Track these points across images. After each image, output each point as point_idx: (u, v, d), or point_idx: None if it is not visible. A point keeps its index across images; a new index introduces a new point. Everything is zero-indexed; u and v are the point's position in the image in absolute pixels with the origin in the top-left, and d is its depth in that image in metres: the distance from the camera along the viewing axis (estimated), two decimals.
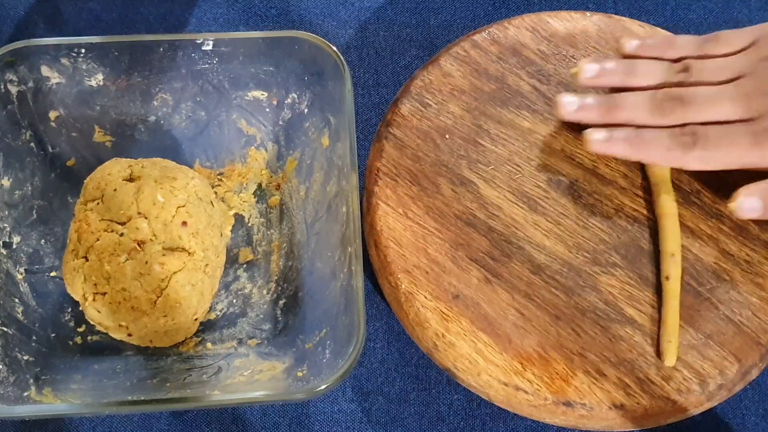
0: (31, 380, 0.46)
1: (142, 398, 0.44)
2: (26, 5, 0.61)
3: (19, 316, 0.48)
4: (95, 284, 0.46)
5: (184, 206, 0.48)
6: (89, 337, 0.50)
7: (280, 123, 0.54)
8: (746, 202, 0.42)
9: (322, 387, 0.41)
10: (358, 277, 0.44)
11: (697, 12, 0.63)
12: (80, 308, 0.48)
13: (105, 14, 0.61)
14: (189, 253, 0.47)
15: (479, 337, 0.45)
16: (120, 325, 0.47)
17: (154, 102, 0.53)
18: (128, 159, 0.51)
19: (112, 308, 0.46)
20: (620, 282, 0.47)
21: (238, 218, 0.54)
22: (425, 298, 0.46)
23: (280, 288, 0.51)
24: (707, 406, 0.45)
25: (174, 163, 0.51)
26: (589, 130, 0.45)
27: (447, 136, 0.50)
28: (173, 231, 0.47)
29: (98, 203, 0.48)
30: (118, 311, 0.46)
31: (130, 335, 0.47)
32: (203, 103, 0.53)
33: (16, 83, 0.49)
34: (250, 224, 0.53)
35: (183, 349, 0.49)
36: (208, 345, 0.50)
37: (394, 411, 0.50)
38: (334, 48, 0.49)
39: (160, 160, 0.51)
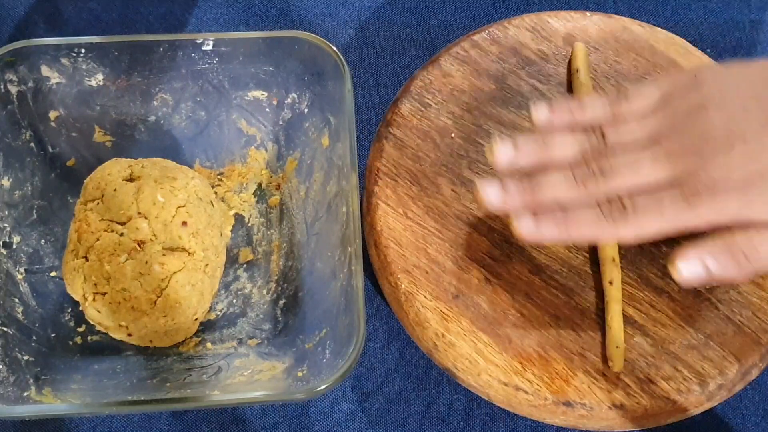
0: (31, 380, 0.46)
1: (142, 398, 0.44)
2: (26, 5, 0.61)
3: (19, 316, 0.48)
4: (95, 284, 0.46)
5: (184, 206, 0.48)
6: (89, 337, 0.50)
7: (280, 123, 0.54)
8: (685, 269, 0.40)
9: (322, 387, 0.41)
10: (358, 277, 0.43)
11: (697, 12, 0.63)
12: (80, 308, 0.48)
13: (105, 14, 0.61)
14: (189, 253, 0.47)
15: (479, 337, 0.45)
16: (120, 325, 0.47)
17: (154, 102, 0.53)
18: (128, 159, 0.51)
19: (112, 308, 0.46)
20: (620, 282, 0.47)
21: (238, 218, 0.54)
22: (425, 298, 0.46)
23: (280, 288, 0.51)
24: (707, 406, 0.45)
25: (174, 163, 0.51)
26: (515, 223, 0.42)
27: (447, 136, 0.50)
28: (173, 231, 0.47)
29: (98, 203, 0.48)
30: (118, 311, 0.46)
31: (130, 335, 0.47)
32: (203, 103, 0.53)
33: (16, 83, 0.50)
34: (250, 224, 0.53)
35: (183, 349, 0.49)
36: (208, 345, 0.50)
37: (394, 411, 0.50)
38: (334, 48, 0.49)
39: (160, 160, 0.51)
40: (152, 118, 0.53)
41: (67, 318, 0.50)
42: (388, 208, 0.48)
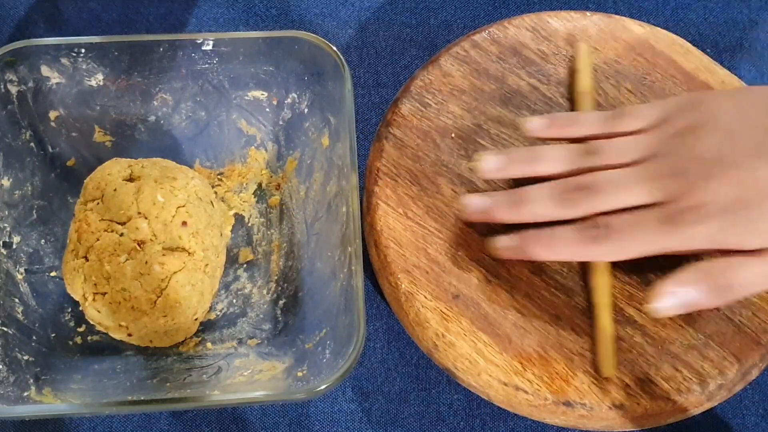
0: (31, 380, 0.46)
1: (142, 398, 0.44)
2: (26, 5, 0.61)
3: (19, 316, 0.48)
4: (95, 284, 0.46)
5: (184, 206, 0.48)
6: (89, 337, 0.50)
7: (280, 123, 0.54)
8: (662, 307, 0.40)
9: (322, 387, 0.41)
10: (358, 277, 0.44)
11: (697, 12, 0.63)
12: (80, 308, 0.48)
13: (105, 14, 0.61)
14: (189, 253, 0.47)
15: (479, 337, 0.45)
16: (120, 325, 0.47)
17: (154, 102, 0.53)
18: (128, 159, 0.51)
19: (112, 308, 0.46)
20: (620, 282, 0.47)
21: (238, 218, 0.54)
22: (425, 298, 0.46)
23: (280, 288, 0.51)
24: (707, 406, 0.45)
25: (174, 163, 0.51)
26: (492, 240, 0.42)
27: (447, 136, 0.50)
28: (173, 231, 0.47)
29: (98, 203, 0.48)
30: (118, 311, 0.46)
31: (130, 335, 0.47)
32: (203, 103, 0.53)
33: (16, 83, 0.50)
34: (250, 224, 0.53)
35: (183, 349, 0.49)
36: (208, 345, 0.50)
37: (394, 411, 0.50)
38: (334, 48, 0.49)
39: (160, 160, 0.51)
40: (152, 118, 0.53)
41: (67, 318, 0.50)
42: (388, 208, 0.48)
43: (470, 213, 0.43)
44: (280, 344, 0.49)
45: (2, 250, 0.49)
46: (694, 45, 0.54)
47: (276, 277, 0.52)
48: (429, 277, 0.46)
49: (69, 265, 0.47)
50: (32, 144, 0.51)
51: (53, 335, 0.49)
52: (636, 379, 0.44)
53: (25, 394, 0.45)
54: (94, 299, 0.46)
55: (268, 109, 0.54)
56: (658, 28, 0.54)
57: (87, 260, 0.47)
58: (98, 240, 0.47)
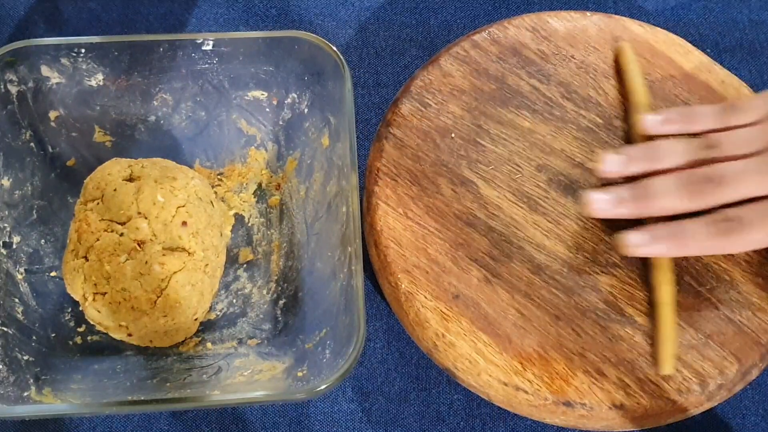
0: (31, 380, 0.46)
1: (142, 398, 0.44)
2: (26, 5, 0.61)
3: (19, 316, 0.48)
4: (95, 284, 0.46)
5: (184, 206, 0.48)
6: (89, 337, 0.50)
7: (280, 123, 0.54)
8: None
9: (322, 387, 0.41)
10: (358, 277, 0.43)
11: (697, 12, 0.63)
12: (80, 308, 0.48)
13: (105, 14, 0.61)
14: (189, 253, 0.47)
15: (479, 337, 0.45)
16: (120, 325, 0.47)
17: (154, 102, 0.53)
18: (128, 159, 0.51)
19: (112, 308, 0.46)
20: (620, 282, 0.47)
21: (238, 218, 0.54)
22: (425, 298, 0.46)
23: (280, 288, 0.51)
24: (707, 406, 0.45)
25: (174, 163, 0.51)
26: (624, 235, 0.41)
27: (447, 136, 0.50)
28: (173, 231, 0.47)
29: (98, 203, 0.48)
30: (118, 311, 0.46)
31: (130, 335, 0.47)
32: (203, 103, 0.53)
33: (16, 83, 0.50)
34: (250, 224, 0.53)
35: (183, 349, 0.49)
36: (208, 345, 0.50)
37: (394, 411, 0.50)
38: (334, 48, 0.49)
39: (160, 160, 0.51)
40: (152, 118, 0.53)
41: (67, 318, 0.50)
42: (388, 208, 0.48)
43: (595, 209, 0.43)
44: (280, 344, 0.49)
45: (2, 250, 0.49)
46: (694, 45, 0.54)
47: (276, 277, 0.52)
48: (429, 277, 0.46)
49: (69, 265, 0.47)
50: (32, 144, 0.51)
51: (53, 335, 0.49)
52: (636, 379, 0.44)
53: (25, 394, 0.45)
54: (94, 299, 0.46)
55: (268, 109, 0.54)
56: (658, 28, 0.54)
57: (87, 260, 0.47)
58: (98, 240, 0.47)
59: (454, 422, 0.50)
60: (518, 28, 0.54)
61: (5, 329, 0.47)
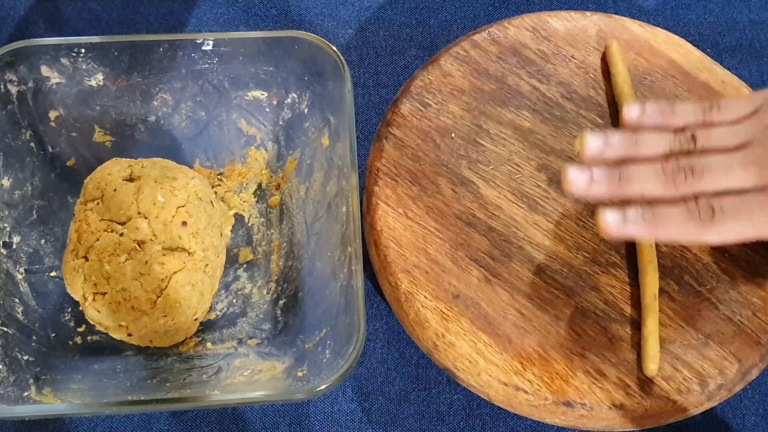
0: (31, 380, 0.46)
1: (142, 398, 0.44)
2: (26, 5, 0.61)
3: (19, 316, 0.48)
4: (95, 284, 0.46)
5: (184, 206, 0.48)
6: (89, 337, 0.50)
7: (280, 123, 0.54)
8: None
9: (322, 387, 0.41)
10: (358, 277, 0.43)
11: (697, 12, 0.63)
12: (80, 308, 0.48)
13: (105, 14, 0.61)
14: (189, 253, 0.47)
15: (479, 337, 0.45)
16: (120, 325, 0.47)
17: (154, 102, 0.53)
18: (128, 159, 0.51)
19: (112, 308, 0.46)
20: (620, 282, 0.47)
21: (238, 218, 0.54)
22: (425, 298, 0.46)
23: (280, 288, 0.51)
24: (707, 406, 0.45)
25: (174, 163, 0.51)
26: (602, 213, 0.41)
27: (447, 136, 0.50)
28: (173, 231, 0.47)
29: (98, 203, 0.48)
30: (118, 311, 0.46)
31: (130, 335, 0.47)
32: (203, 103, 0.53)
33: (16, 83, 0.49)
34: (250, 224, 0.53)
35: (183, 349, 0.49)
36: (208, 345, 0.50)
37: (394, 411, 0.50)
38: (334, 48, 0.49)
39: (160, 160, 0.51)
40: (152, 118, 0.53)
41: (67, 318, 0.50)
42: (388, 208, 0.48)
43: (573, 185, 0.42)
44: (280, 344, 0.49)
45: (2, 250, 0.49)
46: (694, 45, 0.54)
47: (276, 277, 0.52)
48: (429, 277, 0.46)
49: (69, 265, 0.47)
50: (32, 144, 0.51)
51: (53, 335, 0.49)
52: (636, 379, 0.44)
53: (25, 394, 0.45)
54: (94, 299, 0.46)
55: (268, 109, 0.54)
56: (658, 28, 0.54)
57: (87, 260, 0.47)
58: (98, 240, 0.47)
59: (454, 422, 0.50)
60: (518, 28, 0.54)
61: (5, 329, 0.47)
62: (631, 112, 0.45)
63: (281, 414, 0.50)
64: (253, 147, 0.55)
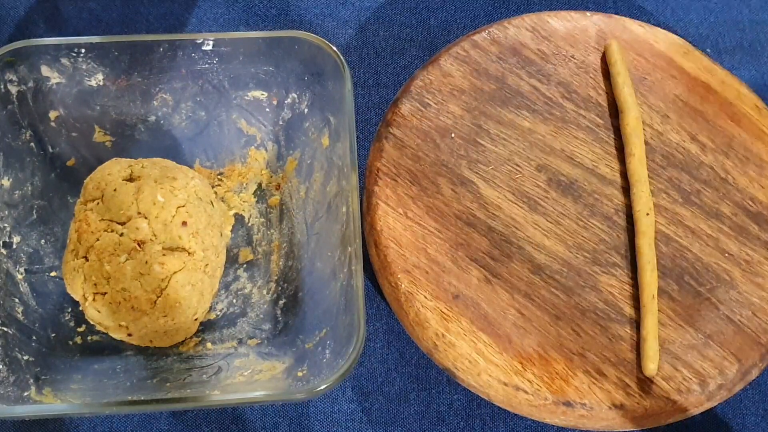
0: (31, 380, 0.46)
1: (142, 398, 0.44)
2: (26, 5, 0.61)
3: (19, 316, 0.48)
4: (95, 284, 0.46)
5: (184, 206, 0.48)
6: (89, 337, 0.50)
7: (280, 123, 0.54)
8: None
9: (322, 387, 0.41)
10: (358, 277, 0.43)
11: (697, 12, 0.63)
12: (80, 308, 0.48)
13: (105, 14, 0.61)
14: (189, 253, 0.47)
15: (479, 337, 0.45)
16: (120, 325, 0.47)
17: (154, 102, 0.53)
18: (128, 159, 0.51)
19: (112, 308, 0.46)
20: (620, 282, 0.47)
21: (238, 218, 0.54)
22: (425, 298, 0.46)
23: (280, 288, 0.51)
24: (707, 406, 0.45)
25: (174, 163, 0.51)
26: None
27: (447, 136, 0.50)
28: (173, 231, 0.47)
29: (98, 203, 0.48)
30: (118, 311, 0.46)
31: (130, 335, 0.47)
32: (203, 103, 0.53)
33: (16, 83, 0.49)
34: (250, 224, 0.53)
35: (183, 349, 0.49)
36: (208, 345, 0.50)
37: (394, 411, 0.50)
38: (334, 48, 0.49)
39: (160, 160, 0.51)
40: (152, 118, 0.53)
41: (67, 318, 0.50)
42: (388, 208, 0.48)
43: None
44: (280, 344, 0.49)
45: (2, 250, 0.49)
46: (694, 45, 0.54)
47: (276, 277, 0.52)
48: (429, 277, 0.46)
49: (69, 265, 0.47)
50: (32, 144, 0.51)
51: (53, 335, 0.49)
52: (636, 379, 0.44)
53: (25, 394, 0.45)
54: (94, 299, 0.46)
55: (268, 109, 0.54)
56: (658, 28, 0.54)
57: (87, 260, 0.47)
58: (98, 240, 0.47)
59: (454, 422, 0.50)
60: (518, 28, 0.54)
61: (5, 329, 0.47)
62: None
63: (281, 414, 0.50)
64: (253, 147, 0.55)
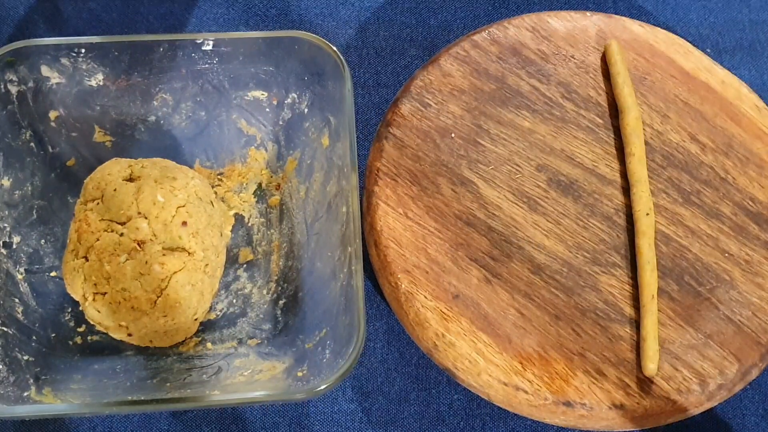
0: (31, 380, 0.46)
1: (142, 398, 0.44)
2: (26, 5, 0.61)
3: (19, 316, 0.48)
4: (95, 284, 0.46)
5: (184, 206, 0.48)
6: (89, 337, 0.50)
7: (280, 123, 0.54)
8: None
9: (322, 387, 0.41)
10: (358, 277, 0.43)
11: (697, 12, 0.63)
12: (80, 308, 0.48)
13: (105, 14, 0.61)
14: (189, 253, 0.47)
15: (479, 337, 0.45)
16: (120, 325, 0.47)
17: (154, 102, 0.53)
18: (128, 159, 0.51)
19: (112, 308, 0.46)
20: (620, 282, 0.47)
21: (238, 218, 0.54)
22: (425, 298, 0.46)
23: (280, 288, 0.51)
24: (707, 406, 0.45)
25: (174, 163, 0.51)
26: None
27: (447, 136, 0.50)
28: (173, 231, 0.47)
29: (98, 203, 0.48)
30: (118, 311, 0.46)
31: (130, 335, 0.47)
32: (203, 103, 0.53)
33: (16, 83, 0.49)
34: (250, 224, 0.53)
35: (183, 349, 0.49)
36: (208, 345, 0.50)
37: (394, 411, 0.50)
38: (334, 48, 0.49)
39: (160, 160, 0.51)
40: (152, 118, 0.53)
41: (67, 318, 0.50)
42: (388, 208, 0.48)
43: None
44: (280, 344, 0.49)
45: (2, 250, 0.49)
46: (694, 45, 0.54)
47: (276, 277, 0.52)
48: (429, 277, 0.46)
49: (69, 265, 0.47)
50: (32, 144, 0.51)
51: (53, 335, 0.49)
52: (636, 379, 0.44)
53: (25, 394, 0.45)
54: (94, 299, 0.46)
55: (268, 109, 0.54)
56: (658, 28, 0.54)
57: (87, 260, 0.47)
58: (98, 240, 0.47)
59: (454, 422, 0.50)
60: (518, 28, 0.54)
61: (5, 329, 0.47)
62: None
63: (281, 414, 0.50)
64: (253, 147, 0.55)
